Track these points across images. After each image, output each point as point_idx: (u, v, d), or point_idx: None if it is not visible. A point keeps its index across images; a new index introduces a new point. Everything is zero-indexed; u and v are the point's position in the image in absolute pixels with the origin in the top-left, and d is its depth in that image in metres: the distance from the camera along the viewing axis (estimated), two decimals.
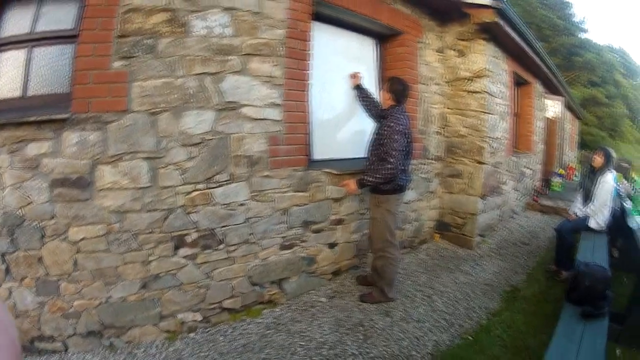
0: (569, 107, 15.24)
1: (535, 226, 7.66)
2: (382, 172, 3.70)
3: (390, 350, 3.25)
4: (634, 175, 8.34)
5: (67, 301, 3.02)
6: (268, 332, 3.44)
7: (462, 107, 5.94)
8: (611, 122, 29.37)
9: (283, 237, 3.92)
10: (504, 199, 7.33)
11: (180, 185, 3.22)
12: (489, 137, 5.91)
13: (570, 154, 18.00)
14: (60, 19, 3.06)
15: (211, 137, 3.33)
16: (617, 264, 4.69)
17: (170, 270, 3.28)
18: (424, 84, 5.54)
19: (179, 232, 3.27)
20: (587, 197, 5.13)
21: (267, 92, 3.64)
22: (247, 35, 3.49)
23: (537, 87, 9.56)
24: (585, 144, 22.88)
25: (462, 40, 5.79)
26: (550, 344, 2.64)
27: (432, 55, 5.73)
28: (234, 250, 3.58)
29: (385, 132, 3.74)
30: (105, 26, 2.93)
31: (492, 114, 6.00)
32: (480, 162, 5.82)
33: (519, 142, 8.75)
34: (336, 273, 4.53)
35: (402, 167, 3.82)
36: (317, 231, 4.22)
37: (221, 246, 3.50)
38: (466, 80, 5.84)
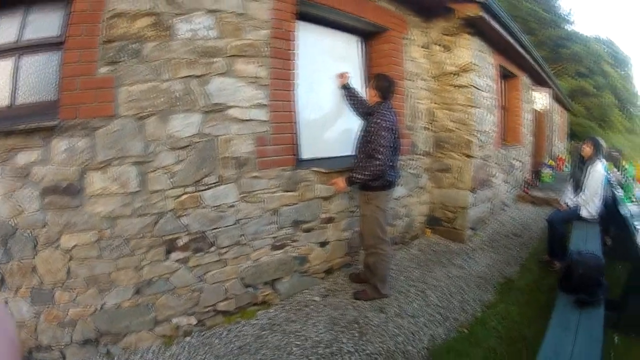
0: (557, 98, 15.33)
1: (527, 218, 7.71)
2: (370, 168, 3.72)
3: (386, 346, 3.26)
4: (624, 163, 8.37)
5: (63, 310, 3.00)
6: (263, 333, 3.45)
7: (449, 101, 5.97)
8: (600, 113, 29.45)
9: (274, 238, 3.92)
10: (494, 191, 7.37)
11: (169, 189, 3.22)
12: (477, 130, 5.95)
13: (560, 145, 18.11)
14: (47, 26, 3.04)
15: (199, 140, 3.33)
16: (610, 253, 4.73)
17: (163, 275, 3.27)
18: (410, 79, 5.56)
19: (170, 236, 3.26)
20: (578, 187, 5.18)
21: (253, 93, 3.65)
22: (232, 37, 3.49)
23: (524, 79, 9.62)
24: (575, 135, 22.96)
25: (448, 35, 5.82)
26: (546, 334, 2.64)
27: (418, 51, 5.76)
28: (225, 253, 3.58)
29: (373, 129, 3.76)
30: (90, 32, 2.92)
31: (479, 107, 6.04)
32: (469, 156, 5.85)
33: (507, 135, 8.81)
34: (329, 272, 4.54)
35: (391, 163, 3.84)
36: (308, 230, 4.22)
37: (213, 249, 3.49)
38: (452, 75, 5.87)
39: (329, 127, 4.88)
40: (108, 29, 2.96)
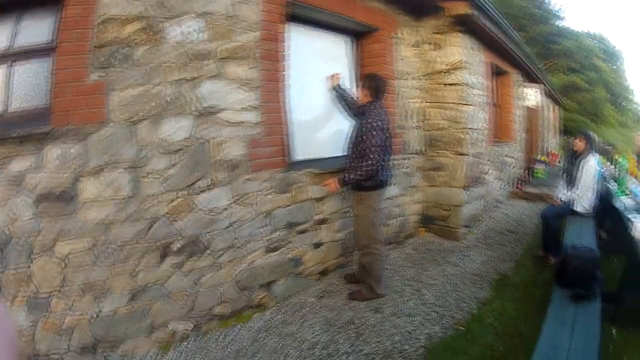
0: (549, 94, 15.40)
1: (521, 214, 7.75)
2: (363, 168, 3.73)
3: (383, 346, 3.26)
4: (617, 157, 8.41)
5: (59, 317, 2.97)
6: (259, 336, 3.44)
7: (440, 100, 5.98)
8: (593, 107, 29.57)
9: (268, 240, 3.92)
10: (488, 188, 7.40)
11: (162, 194, 3.20)
12: (468, 128, 5.97)
13: (553, 141, 18.20)
14: (38, 32, 3.01)
15: (191, 144, 3.32)
16: (605, 246, 4.76)
17: (158, 280, 3.25)
18: (401, 78, 5.58)
19: (164, 241, 3.25)
20: (571, 182, 5.19)
21: (245, 96, 3.64)
22: (223, 40, 3.49)
23: (516, 76, 9.66)
24: (568, 130, 23.02)
25: (438, 33, 5.84)
26: (542, 329, 2.64)
27: (409, 50, 5.77)
28: (220, 256, 3.57)
29: (364, 129, 3.77)
30: (81, 37, 2.90)
31: (471, 105, 6.07)
32: (461, 154, 5.87)
33: (499, 132, 8.84)
34: (324, 273, 4.55)
35: (383, 163, 3.84)
36: (302, 232, 4.23)
37: (207, 253, 3.48)
38: (443, 73, 5.89)
39: (321, 128, 4.89)
40: (99, 34, 2.93)
